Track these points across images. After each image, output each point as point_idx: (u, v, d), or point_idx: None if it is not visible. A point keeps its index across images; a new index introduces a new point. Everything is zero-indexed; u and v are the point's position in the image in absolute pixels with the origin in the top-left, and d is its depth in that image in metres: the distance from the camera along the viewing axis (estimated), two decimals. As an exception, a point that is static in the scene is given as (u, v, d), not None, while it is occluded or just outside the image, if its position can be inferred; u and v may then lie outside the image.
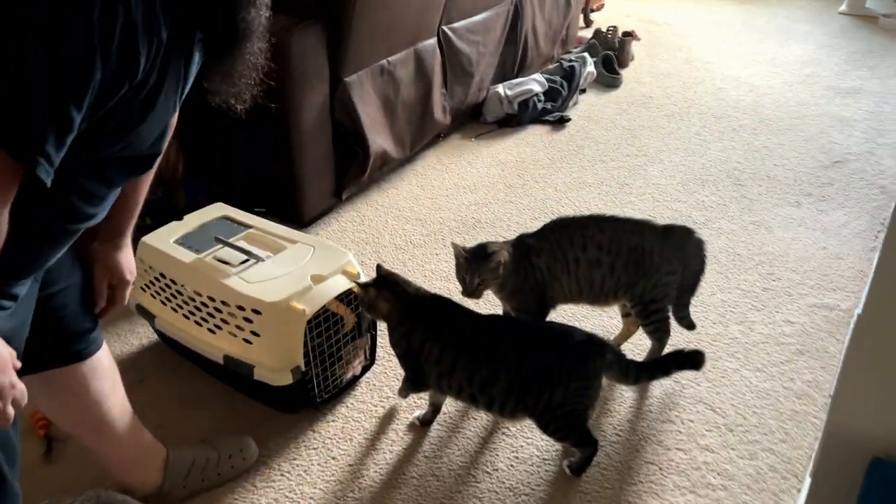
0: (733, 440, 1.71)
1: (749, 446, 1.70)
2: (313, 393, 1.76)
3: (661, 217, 2.59)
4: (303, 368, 1.69)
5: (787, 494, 1.58)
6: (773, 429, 1.74)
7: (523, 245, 1.79)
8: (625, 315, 1.95)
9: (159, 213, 2.50)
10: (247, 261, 1.78)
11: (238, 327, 1.70)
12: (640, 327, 1.89)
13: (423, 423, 1.77)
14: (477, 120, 3.38)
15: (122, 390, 1.45)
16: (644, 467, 1.65)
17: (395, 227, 2.57)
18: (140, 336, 2.06)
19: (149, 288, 1.88)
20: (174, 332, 1.83)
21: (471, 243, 2.46)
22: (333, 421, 1.78)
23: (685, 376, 1.89)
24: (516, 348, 1.53)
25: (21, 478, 1.63)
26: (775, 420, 1.76)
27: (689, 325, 1.91)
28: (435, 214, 2.65)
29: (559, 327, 1.60)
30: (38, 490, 1.60)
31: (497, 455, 1.69)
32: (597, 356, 1.52)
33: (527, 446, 1.70)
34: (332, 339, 1.76)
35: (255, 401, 1.83)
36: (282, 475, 1.64)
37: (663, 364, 1.62)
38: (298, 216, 2.55)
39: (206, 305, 1.74)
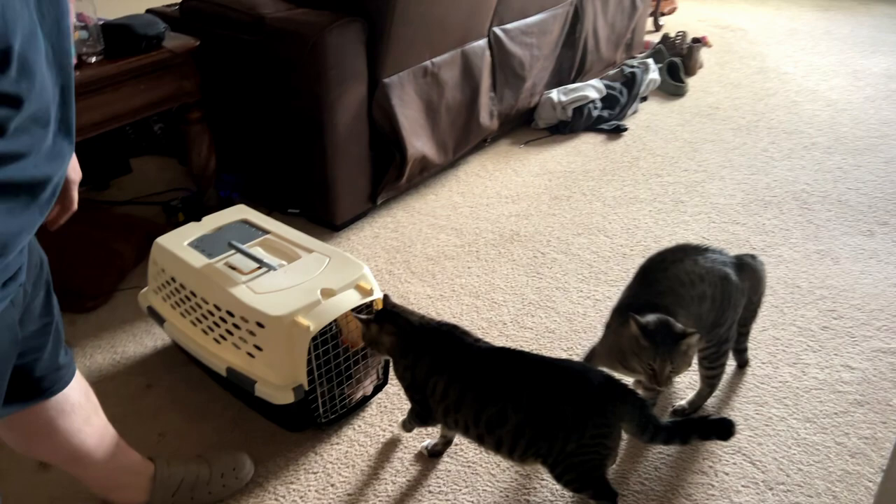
0: (772, 500, 1.53)
1: (790, 509, 1.52)
2: (318, 413, 1.66)
3: (717, 241, 2.40)
4: (306, 387, 1.60)
5: (828, 570, 1.40)
6: (820, 490, 1.55)
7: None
8: None
9: (191, 209, 2.46)
10: (258, 268, 1.70)
11: (242, 339, 1.62)
12: (701, 370, 1.72)
13: (432, 455, 1.65)
14: (528, 126, 3.23)
15: (99, 417, 1.34)
16: (668, 524, 1.49)
17: (429, 236, 2.46)
18: (155, 337, 2.01)
19: (161, 290, 1.82)
20: (182, 339, 1.77)
21: (506, 256, 2.35)
22: (338, 444, 1.68)
23: (724, 422, 1.71)
24: (528, 387, 1.40)
25: (15, 483, 1.60)
26: (823, 480, 1.58)
27: (745, 362, 1.75)
28: (472, 224, 2.52)
29: (577, 366, 1.45)
30: (31, 496, 1.56)
31: (507, 496, 1.55)
32: (617, 402, 1.37)
33: (540, 489, 1.56)
34: (341, 356, 1.66)
35: (261, 416, 1.75)
36: (276, 499, 1.55)
37: (685, 430, 1.41)
38: (331, 219, 2.47)
39: (212, 314, 1.67)
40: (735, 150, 3.03)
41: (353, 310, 1.61)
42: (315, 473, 1.61)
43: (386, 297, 1.59)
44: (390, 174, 2.50)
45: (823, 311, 2.08)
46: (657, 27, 4.48)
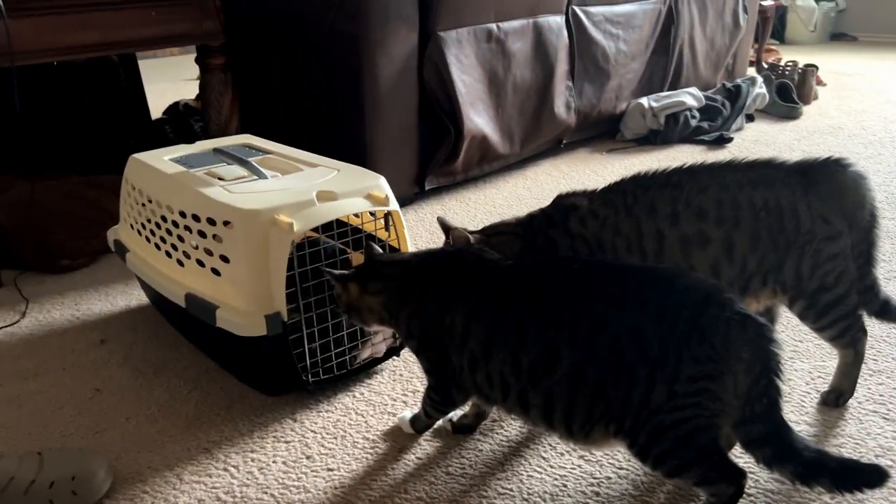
0: None
1: None
2: (304, 368, 1.19)
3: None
4: (285, 318, 1.14)
5: None
6: None
7: (560, 207, 1.16)
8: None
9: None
10: (244, 177, 1.30)
11: (207, 252, 1.20)
12: (820, 334, 1.16)
13: (458, 431, 1.14)
14: (612, 137, 2.80)
15: None
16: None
17: (485, 221, 2.00)
18: (129, 298, 1.61)
19: (129, 216, 1.44)
20: (141, 269, 1.36)
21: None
22: (328, 412, 1.20)
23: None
24: (587, 307, 0.90)
25: None
26: None
27: (885, 309, 1.15)
28: (540, 212, 2.06)
29: (663, 272, 0.94)
30: None
31: (564, 484, 1.01)
32: (731, 325, 0.84)
33: (606, 466, 1.02)
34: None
35: (234, 378, 1.29)
36: (225, 469, 1.07)
37: (815, 463, 0.86)
38: (370, 202, 2.06)
39: (176, 225, 1.25)
40: (870, 160, 2.49)
41: (324, 265, 1.16)
42: (288, 443, 1.12)
43: (368, 244, 1.14)
44: (442, 151, 2.10)
45: None
46: (759, 70, 4.04)
